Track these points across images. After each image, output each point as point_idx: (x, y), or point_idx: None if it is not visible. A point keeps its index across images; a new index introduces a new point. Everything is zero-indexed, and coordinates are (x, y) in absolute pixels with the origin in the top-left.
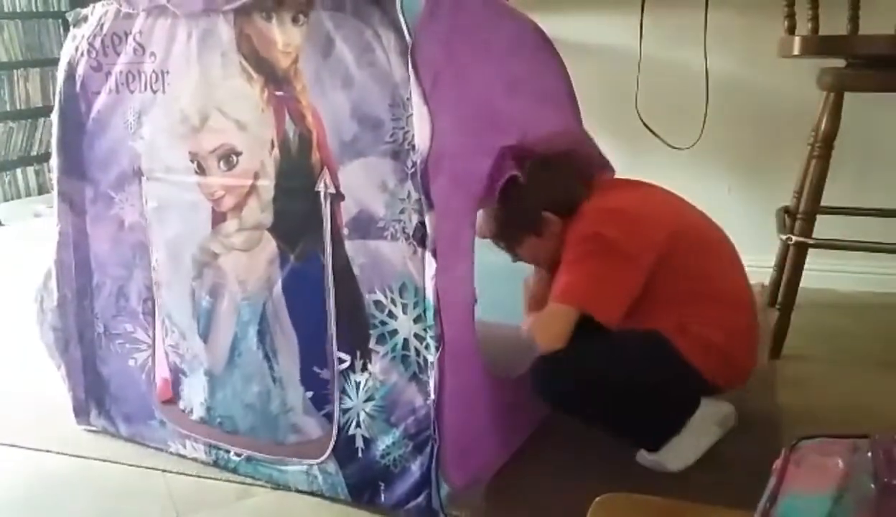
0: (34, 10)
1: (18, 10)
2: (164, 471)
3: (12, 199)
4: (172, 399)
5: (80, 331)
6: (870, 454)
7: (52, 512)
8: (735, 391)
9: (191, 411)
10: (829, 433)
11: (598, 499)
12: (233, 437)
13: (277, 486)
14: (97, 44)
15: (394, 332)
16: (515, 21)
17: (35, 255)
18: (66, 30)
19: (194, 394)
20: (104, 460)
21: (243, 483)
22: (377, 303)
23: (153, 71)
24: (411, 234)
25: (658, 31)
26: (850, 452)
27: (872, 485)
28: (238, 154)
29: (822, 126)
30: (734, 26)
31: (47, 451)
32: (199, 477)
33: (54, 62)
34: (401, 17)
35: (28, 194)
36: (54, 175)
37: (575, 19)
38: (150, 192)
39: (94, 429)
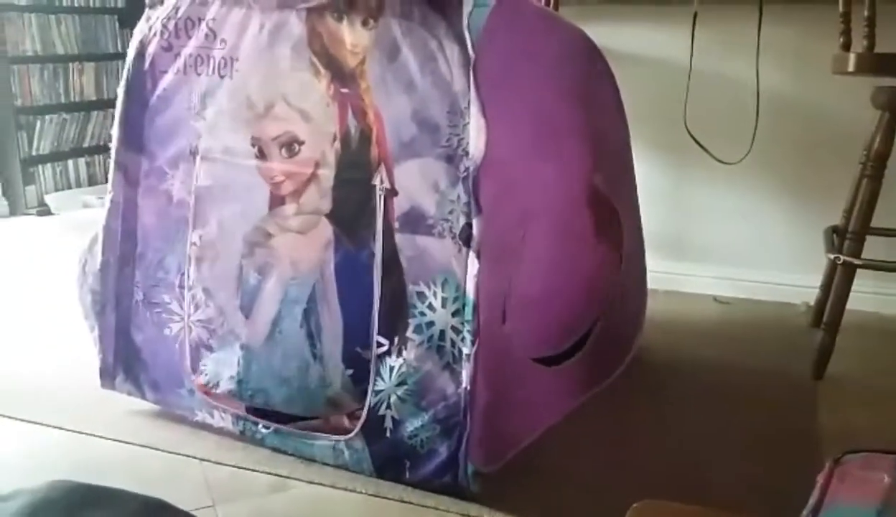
0: (91, 5)
1: (76, 4)
2: (201, 459)
3: (63, 189)
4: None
5: (117, 297)
6: None
7: None
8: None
9: (216, 384)
10: (875, 448)
11: (634, 505)
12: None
13: (304, 460)
14: (171, 26)
15: (431, 323)
16: (566, 32)
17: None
18: (122, 26)
19: (223, 367)
20: (143, 446)
21: (279, 475)
22: (420, 294)
23: (222, 57)
24: (458, 233)
25: (709, 45)
26: (894, 467)
27: None
28: (301, 143)
29: (875, 145)
30: (787, 42)
31: (89, 434)
32: (236, 467)
33: (109, 57)
34: (466, 32)
35: (79, 185)
36: (113, 146)
37: (627, 31)
38: (203, 172)
39: (118, 392)
